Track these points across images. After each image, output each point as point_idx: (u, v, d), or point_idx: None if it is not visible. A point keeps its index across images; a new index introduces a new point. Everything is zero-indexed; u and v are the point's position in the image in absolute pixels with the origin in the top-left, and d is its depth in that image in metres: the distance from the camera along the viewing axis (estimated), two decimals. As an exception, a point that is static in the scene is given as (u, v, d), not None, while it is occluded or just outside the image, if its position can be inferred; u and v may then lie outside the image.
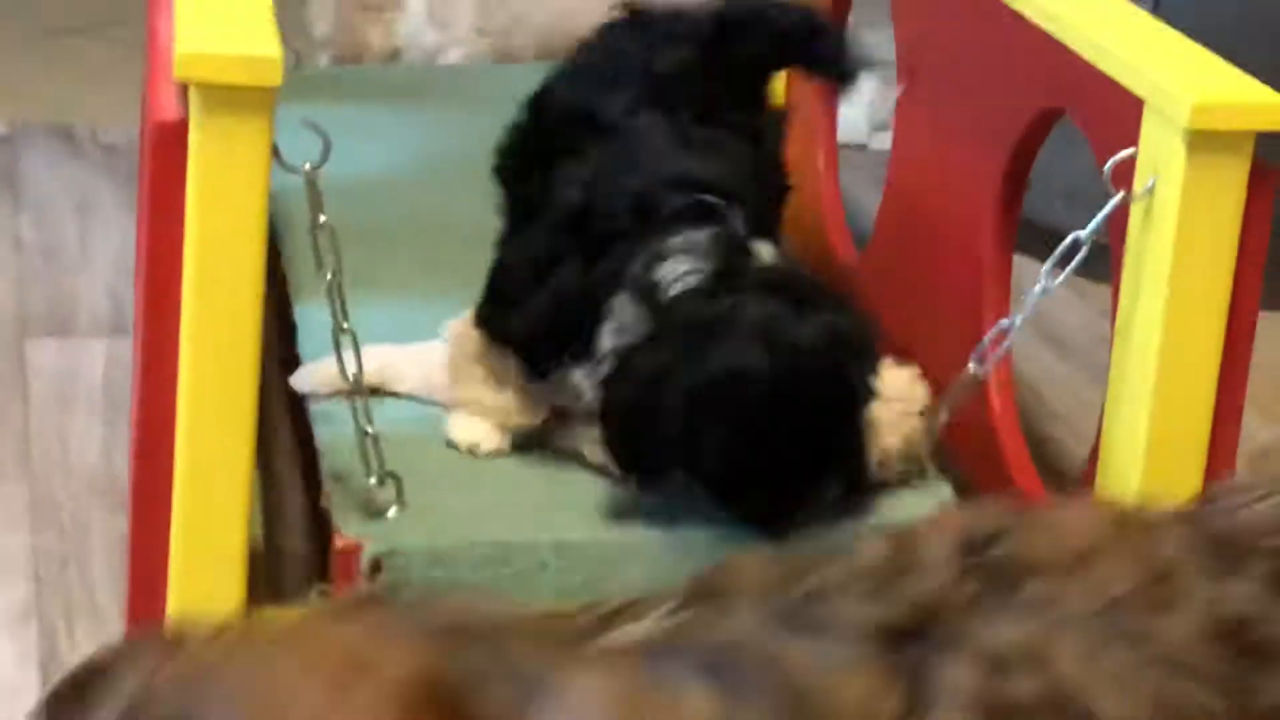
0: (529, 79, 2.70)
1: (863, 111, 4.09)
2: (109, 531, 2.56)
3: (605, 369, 2.17)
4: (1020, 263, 2.84)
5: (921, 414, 2.25)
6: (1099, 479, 2.22)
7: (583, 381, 2.22)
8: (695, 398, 2.08)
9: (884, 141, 3.82)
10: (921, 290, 2.77)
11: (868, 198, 3.45)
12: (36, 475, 2.70)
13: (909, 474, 2.25)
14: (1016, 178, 2.62)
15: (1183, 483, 2.13)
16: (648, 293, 2.17)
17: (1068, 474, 2.84)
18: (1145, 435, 2.13)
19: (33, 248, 3.40)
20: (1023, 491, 2.45)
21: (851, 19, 3.26)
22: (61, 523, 2.60)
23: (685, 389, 2.08)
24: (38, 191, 3.63)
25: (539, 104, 2.56)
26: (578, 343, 2.22)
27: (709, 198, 2.25)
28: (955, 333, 2.66)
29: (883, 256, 2.98)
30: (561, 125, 2.48)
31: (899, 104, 2.99)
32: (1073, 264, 2.17)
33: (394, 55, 3.79)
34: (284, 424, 2.76)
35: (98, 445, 2.78)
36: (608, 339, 2.19)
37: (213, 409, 1.98)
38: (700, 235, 2.20)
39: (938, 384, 2.69)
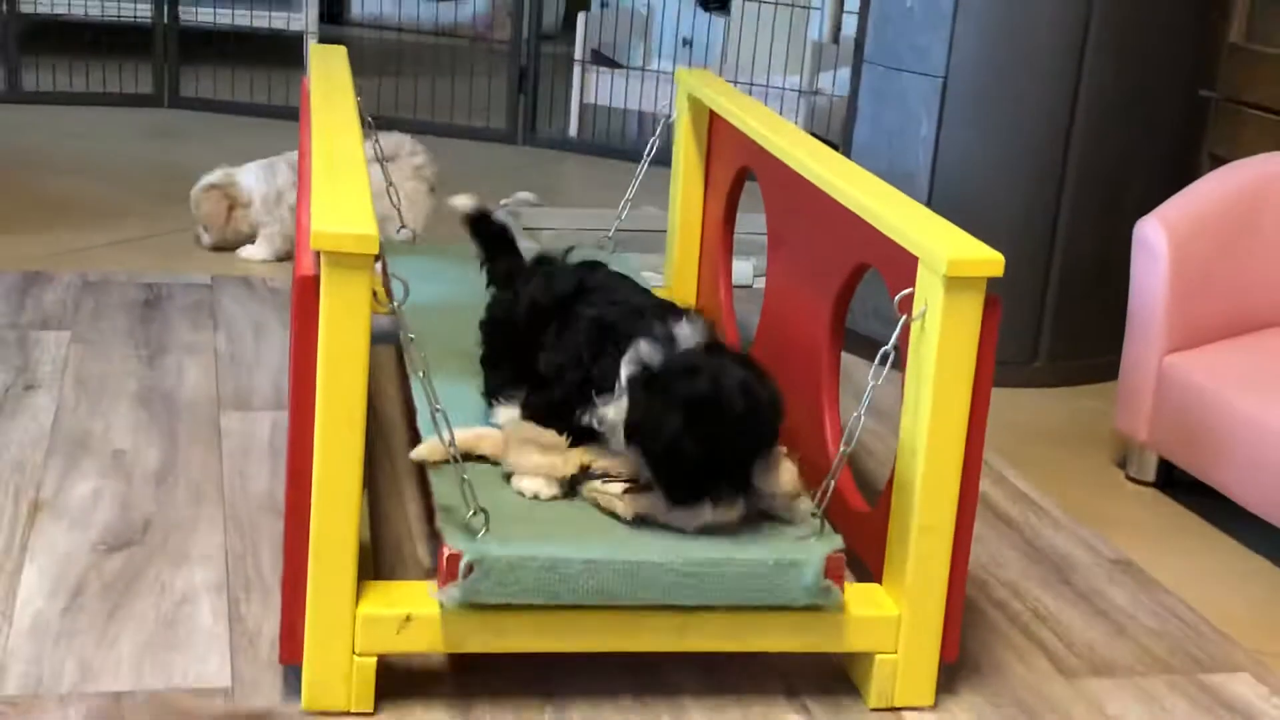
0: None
1: (749, 266, 4.13)
2: (273, 535, 2.55)
3: (623, 397, 2.20)
4: (847, 359, 2.87)
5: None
6: (893, 497, 2.21)
7: (607, 410, 2.22)
8: (685, 411, 2.11)
9: (761, 284, 3.85)
10: (784, 376, 2.77)
11: (751, 319, 3.48)
12: (227, 499, 2.69)
13: (813, 527, 2.20)
14: (842, 307, 2.62)
15: (945, 501, 2.14)
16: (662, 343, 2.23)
17: (875, 490, 2.85)
18: (921, 471, 2.13)
19: (225, 354, 3.40)
20: (848, 499, 2.47)
21: (739, 210, 3.31)
22: (242, 528, 2.58)
23: (679, 404, 2.12)
24: (229, 318, 3.64)
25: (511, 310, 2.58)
26: (598, 393, 2.24)
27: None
28: (806, 407, 2.68)
29: (760, 355, 2.98)
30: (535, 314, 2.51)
31: (768, 260, 3.02)
32: (886, 366, 2.16)
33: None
34: (410, 478, 2.80)
35: (266, 479, 2.77)
36: (622, 380, 2.21)
37: (335, 459, 1.98)
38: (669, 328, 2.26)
39: (796, 442, 2.71)
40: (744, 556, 2.12)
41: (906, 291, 2.16)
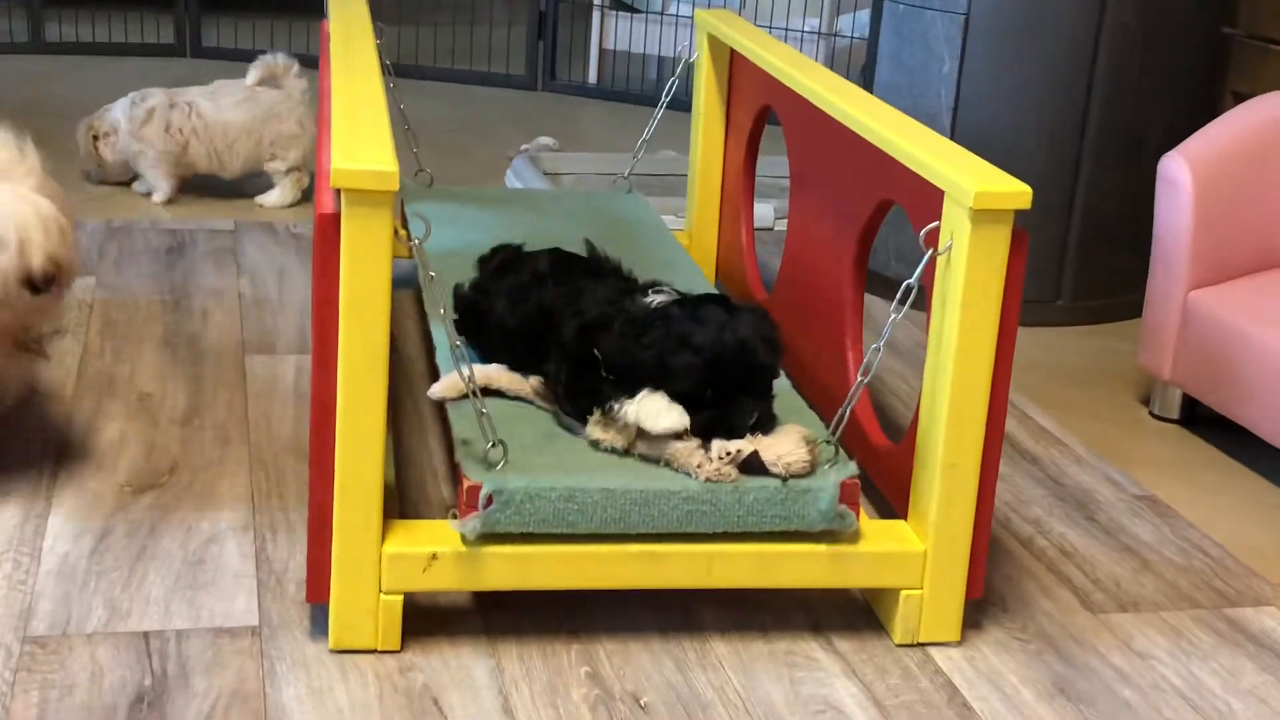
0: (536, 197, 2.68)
1: (770, 208, 4.07)
2: (298, 475, 2.52)
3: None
4: (869, 300, 2.83)
5: (808, 443, 2.12)
6: (919, 434, 2.18)
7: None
8: (698, 351, 2.09)
9: (782, 226, 3.80)
10: (807, 318, 2.75)
11: (773, 261, 3.43)
12: (252, 441, 2.66)
13: (826, 459, 2.14)
14: (865, 246, 2.58)
15: (970, 438, 2.10)
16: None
17: (900, 430, 2.82)
18: (946, 408, 2.08)
19: (249, 298, 3.36)
20: (870, 435, 2.44)
21: (760, 153, 3.26)
22: (267, 469, 2.55)
23: (696, 347, 2.09)
24: (253, 263, 3.60)
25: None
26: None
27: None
28: (828, 346, 2.64)
29: (783, 297, 2.95)
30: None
31: (791, 199, 2.97)
32: (909, 301, 2.11)
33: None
34: (432, 413, 2.77)
35: (290, 422, 2.74)
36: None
37: (359, 399, 1.95)
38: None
39: (818, 379, 2.68)
40: (758, 483, 2.09)
41: (932, 225, 2.11)
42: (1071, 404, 3.15)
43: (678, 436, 2.11)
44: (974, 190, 2.00)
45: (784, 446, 2.11)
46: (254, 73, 4.02)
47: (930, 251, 2.10)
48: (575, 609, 2.18)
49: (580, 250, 2.61)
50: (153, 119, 3.97)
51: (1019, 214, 2.03)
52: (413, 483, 2.53)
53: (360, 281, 1.91)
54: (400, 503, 2.44)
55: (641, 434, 2.12)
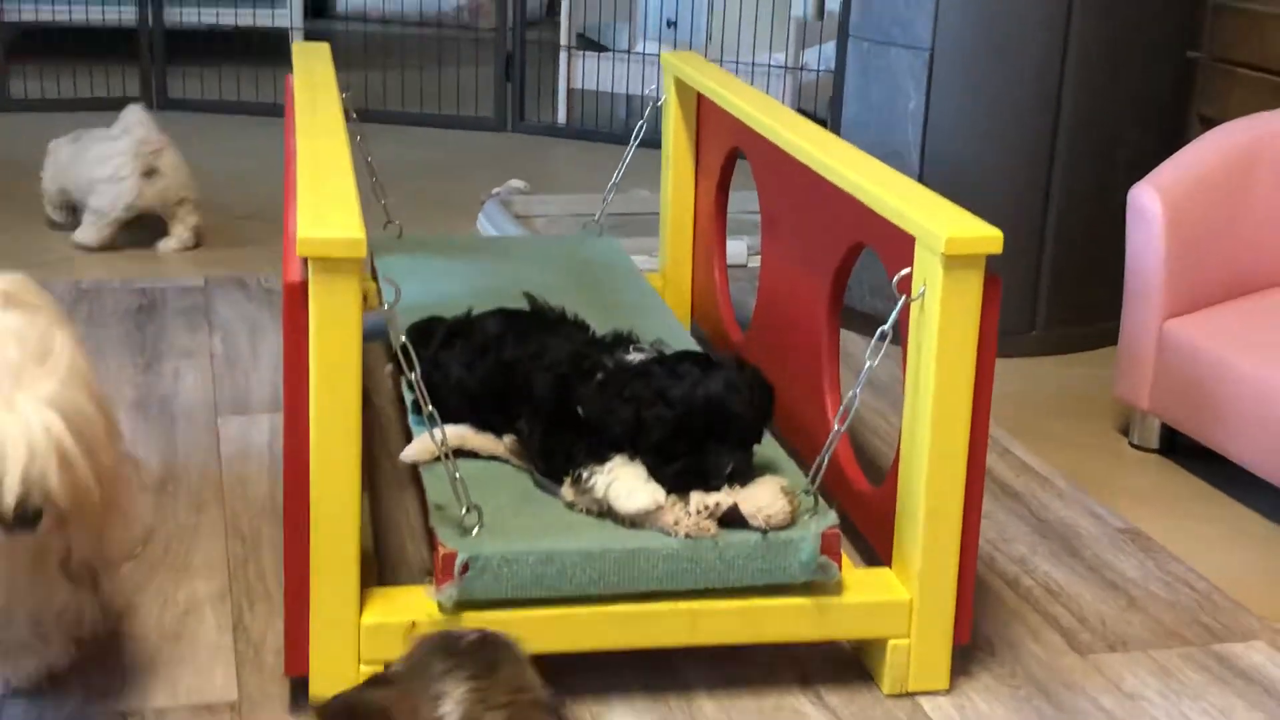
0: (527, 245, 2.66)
1: (743, 245, 4.05)
2: (274, 541, 2.48)
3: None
4: (846, 337, 2.81)
5: (787, 494, 2.10)
6: (899, 482, 2.15)
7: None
8: (675, 405, 2.07)
9: (756, 262, 3.78)
10: (783, 360, 2.73)
11: (748, 300, 3.41)
12: (228, 505, 2.63)
13: (805, 509, 2.12)
14: (839, 288, 2.57)
15: (952, 484, 2.08)
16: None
17: (881, 471, 2.80)
18: (926, 455, 2.06)
19: (221, 357, 3.33)
20: (851, 479, 2.41)
21: (731, 189, 3.24)
22: (243, 535, 2.52)
23: (672, 400, 2.07)
24: (224, 320, 3.57)
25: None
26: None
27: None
28: (806, 389, 2.62)
29: (758, 339, 2.94)
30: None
31: (763, 242, 2.96)
32: (884, 348, 2.09)
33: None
34: (409, 475, 2.70)
35: (266, 484, 2.70)
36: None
37: (332, 469, 1.91)
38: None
39: (795, 422, 2.65)
40: (739, 537, 2.06)
41: (905, 272, 2.09)
42: (1051, 435, 3.13)
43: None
44: (945, 236, 1.99)
45: (763, 498, 2.08)
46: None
47: (904, 298, 2.08)
48: (560, 668, 2.13)
49: (521, 304, 2.57)
50: (80, 160, 4.13)
51: (991, 257, 2.01)
52: (391, 545, 2.50)
53: (330, 349, 1.88)
54: (379, 566, 2.40)
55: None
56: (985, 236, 2.01)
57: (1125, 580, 2.52)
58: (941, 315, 2.01)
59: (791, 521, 2.08)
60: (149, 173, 4.02)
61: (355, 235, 1.85)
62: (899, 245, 2.14)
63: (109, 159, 4.03)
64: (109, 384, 3.12)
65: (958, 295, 2.01)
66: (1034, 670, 2.23)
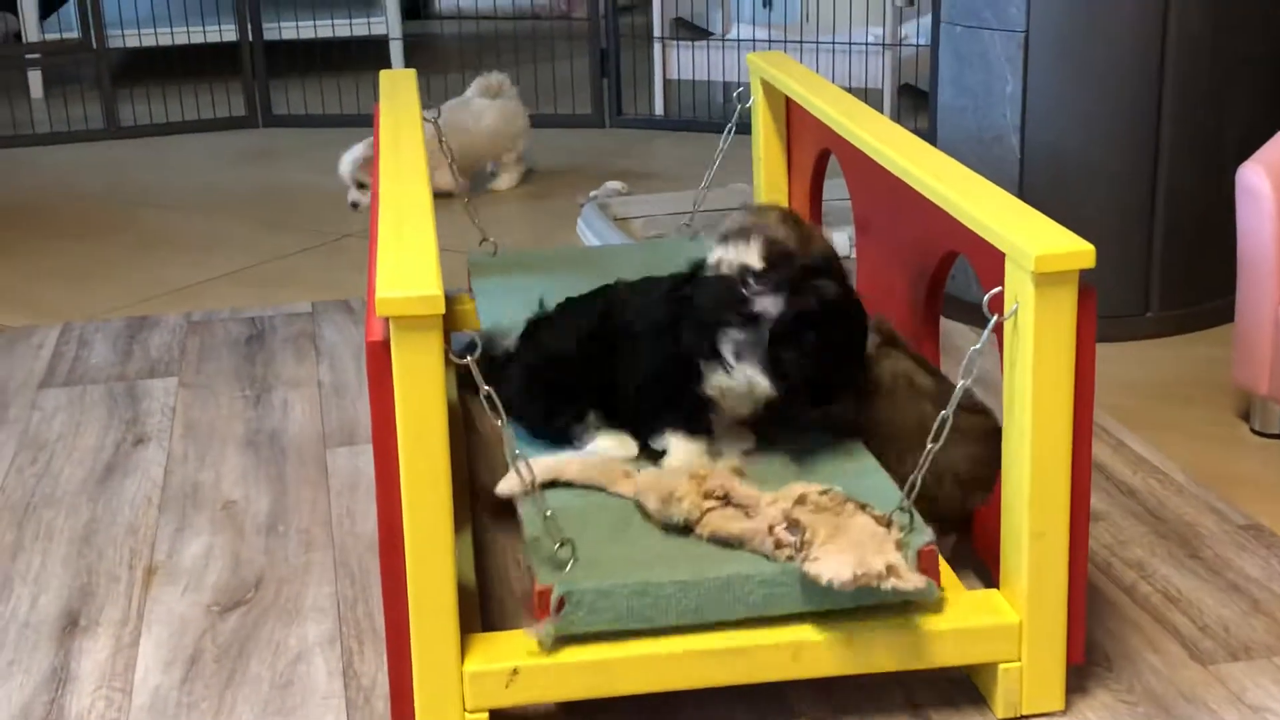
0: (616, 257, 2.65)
1: (845, 236, 3.99)
2: (382, 578, 2.50)
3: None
4: (951, 326, 2.76)
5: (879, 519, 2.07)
6: (1003, 504, 2.10)
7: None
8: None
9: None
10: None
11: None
12: (337, 543, 2.65)
13: (902, 521, 2.09)
14: (935, 294, 2.52)
15: (1056, 504, 2.02)
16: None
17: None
18: (1028, 477, 2.01)
19: (328, 386, 3.37)
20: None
21: (828, 177, 3.19)
22: (352, 574, 2.54)
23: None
24: (330, 345, 3.61)
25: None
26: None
27: None
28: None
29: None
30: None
31: (857, 245, 2.91)
32: (974, 371, 2.04)
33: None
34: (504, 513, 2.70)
35: (374, 519, 2.65)
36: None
37: (425, 523, 1.93)
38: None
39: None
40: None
41: (995, 291, 2.04)
42: (1168, 424, 3.05)
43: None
44: (1035, 254, 1.93)
45: (842, 566, 2.00)
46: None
47: (995, 317, 2.03)
48: (663, 701, 2.13)
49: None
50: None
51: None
52: (496, 581, 2.50)
53: (415, 405, 1.89)
54: (483, 607, 2.39)
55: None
56: (1077, 251, 1.95)
57: (1247, 581, 2.45)
58: (1036, 334, 1.96)
59: (885, 575, 2.00)
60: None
61: (433, 292, 1.85)
62: (992, 256, 2.09)
63: (515, 116, 4.90)
64: (221, 421, 3.17)
65: (1051, 312, 1.96)
66: (1152, 684, 2.18)
